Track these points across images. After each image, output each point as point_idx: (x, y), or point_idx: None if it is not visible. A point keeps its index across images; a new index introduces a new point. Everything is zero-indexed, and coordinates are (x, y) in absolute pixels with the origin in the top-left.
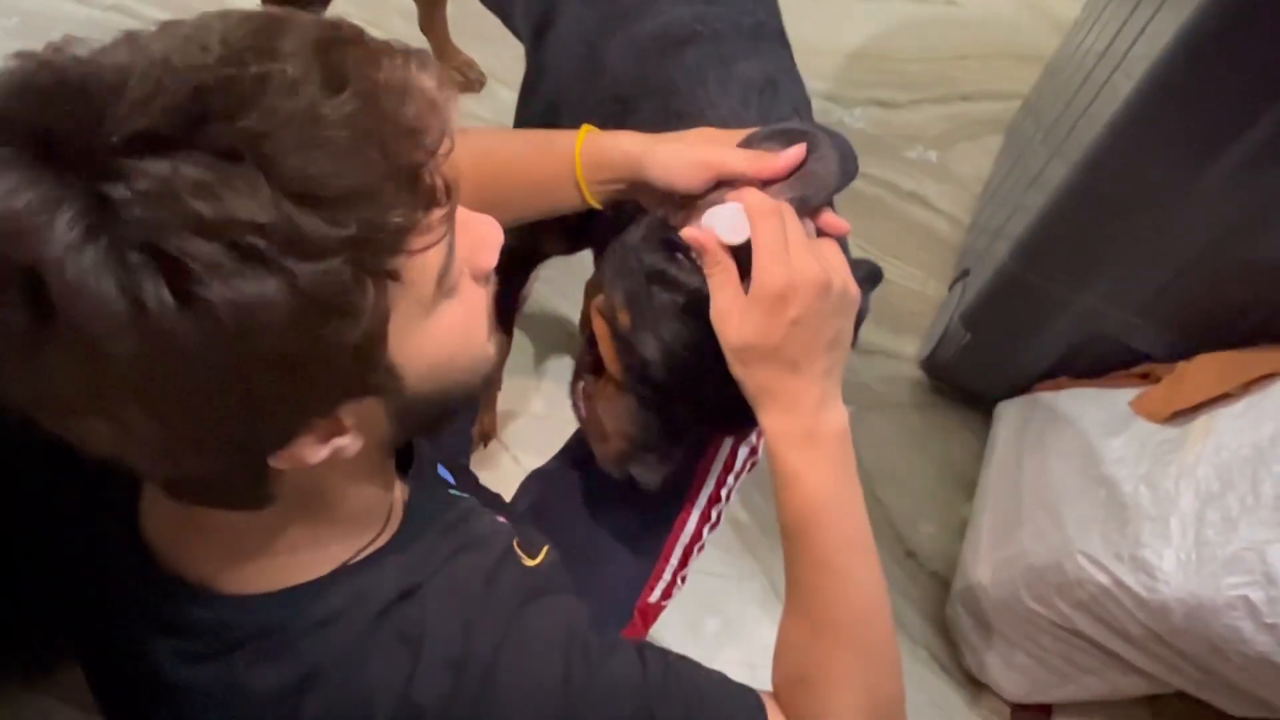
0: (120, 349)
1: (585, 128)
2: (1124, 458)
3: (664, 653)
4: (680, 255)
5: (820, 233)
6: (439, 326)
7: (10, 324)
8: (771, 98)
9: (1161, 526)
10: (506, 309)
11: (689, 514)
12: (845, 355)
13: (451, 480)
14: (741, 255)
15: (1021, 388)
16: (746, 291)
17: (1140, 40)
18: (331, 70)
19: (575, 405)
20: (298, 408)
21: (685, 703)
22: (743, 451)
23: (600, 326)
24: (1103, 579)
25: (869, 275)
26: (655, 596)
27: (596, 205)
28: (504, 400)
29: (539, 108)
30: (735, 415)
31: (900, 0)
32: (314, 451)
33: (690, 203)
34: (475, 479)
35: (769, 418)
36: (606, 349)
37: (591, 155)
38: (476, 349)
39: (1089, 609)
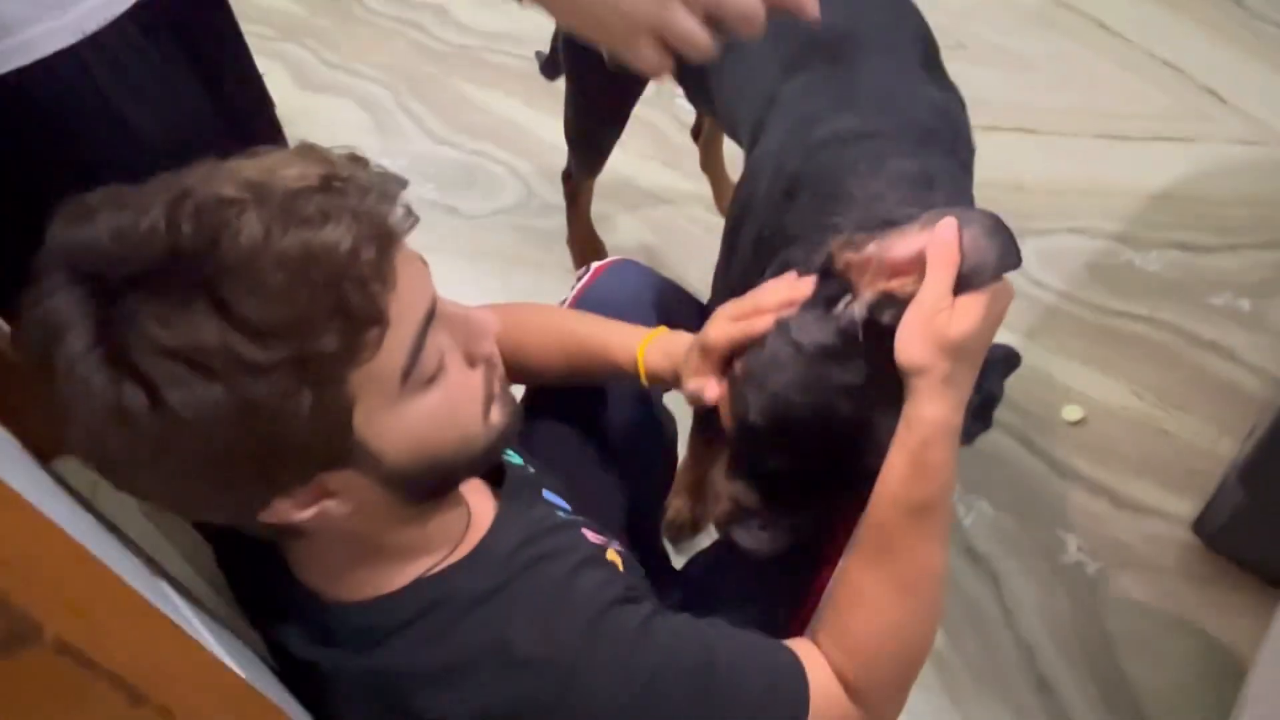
0: (112, 435)
1: (654, 334)
2: None
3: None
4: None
5: None
6: (414, 411)
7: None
8: (925, 189)
9: None
10: None
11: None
12: None
13: (565, 506)
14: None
15: None
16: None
17: None
18: (289, 219)
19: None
20: (265, 479)
21: (731, 671)
22: None
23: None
24: None
25: (1005, 357)
26: None
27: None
28: None
29: (749, 236)
30: (842, 481)
31: (1221, 142)
32: (298, 511)
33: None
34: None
35: (941, 409)
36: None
37: (654, 370)
38: (465, 427)
39: None
